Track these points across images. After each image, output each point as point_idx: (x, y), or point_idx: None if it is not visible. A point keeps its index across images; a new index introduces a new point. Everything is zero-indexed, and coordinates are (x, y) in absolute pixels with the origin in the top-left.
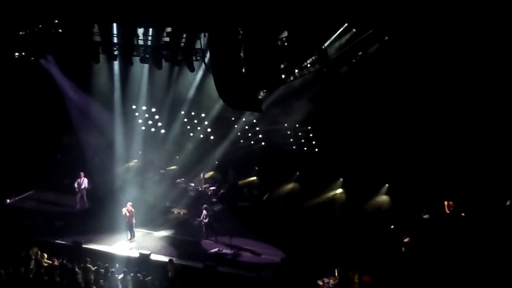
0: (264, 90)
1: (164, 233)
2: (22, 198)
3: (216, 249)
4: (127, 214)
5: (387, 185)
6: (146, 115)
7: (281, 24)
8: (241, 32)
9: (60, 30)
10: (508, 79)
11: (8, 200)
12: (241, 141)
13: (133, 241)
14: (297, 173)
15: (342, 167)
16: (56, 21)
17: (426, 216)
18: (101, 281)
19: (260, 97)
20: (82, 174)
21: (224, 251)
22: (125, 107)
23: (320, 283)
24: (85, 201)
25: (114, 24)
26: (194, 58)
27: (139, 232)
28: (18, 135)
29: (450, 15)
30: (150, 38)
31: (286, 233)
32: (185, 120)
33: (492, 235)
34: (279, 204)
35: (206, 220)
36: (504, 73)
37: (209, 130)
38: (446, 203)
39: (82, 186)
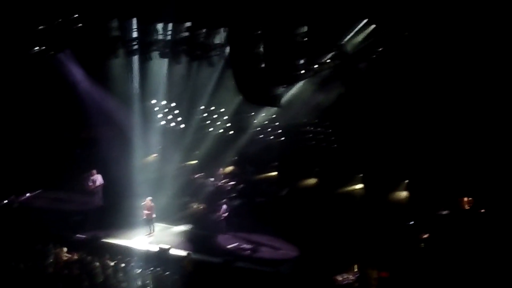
0: (283, 86)
1: (182, 227)
2: (34, 196)
3: (234, 244)
4: (147, 208)
5: (406, 180)
6: (165, 110)
7: (300, 20)
8: (260, 27)
9: (79, 25)
10: None
11: (22, 197)
12: (260, 136)
13: (152, 236)
14: (317, 168)
15: (362, 162)
16: (76, 15)
17: (444, 212)
18: (120, 275)
19: (279, 92)
20: (94, 171)
21: (243, 246)
22: (144, 102)
23: (340, 278)
24: (100, 198)
25: (134, 19)
26: (213, 53)
27: (158, 227)
28: (35, 131)
29: (470, 11)
30: (169, 33)
31: (305, 228)
32: (204, 115)
33: (510, 231)
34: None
35: (225, 215)
36: None
37: (228, 125)
38: (465, 199)
39: (97, 184)
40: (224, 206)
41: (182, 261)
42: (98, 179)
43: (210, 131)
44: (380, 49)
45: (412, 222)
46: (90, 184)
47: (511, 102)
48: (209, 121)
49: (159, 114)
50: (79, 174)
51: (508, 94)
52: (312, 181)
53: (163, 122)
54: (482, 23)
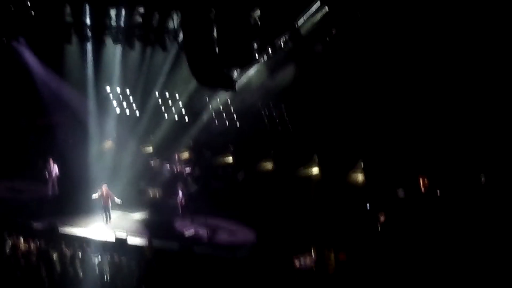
0: (238, 69)
1: (139, 214)
2: None
3: (191, 230)
4: (103, 195)
5: (362, 163)
6: (120, 96)
7: (253, 2)
8: (213, 10)
9: (32, 12)
10: (478, 49)
11: None
12: (216, 120)
13: (109, 223)
14: (273, 152)
15: (317, 145)
16: (28, 3)
17: (401, 193)
18: (78, 263)
19: (233, 76)
20: (51, 160)
21: (200, 231)
22: (99, 89)
23: (296, 261)
24: (56, 189)
25: (86, 5)
26: (166, 38)
27: (114, 214)
28: None
29: None
30: (122, 18)
31: (262, 212)
32: (159, 100)
33: (467, 212)
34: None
35: (182, 201)
36: (476, 44)
37: (183, 110)
38: (421, 181)
39: (53, 173)
40: (181, 192)
41: (142, 248)
42: (54, 168)
43: (165, 116)
44: (334, 31)
45: (369, 204)
46: (46, 173)
47: (463, 80)
48: (164, 107)
49: (114, 100)
50: (35, 162)
51: (459, 71)
52: (268, 164)
53: (118, 109)
54: (432, 5)
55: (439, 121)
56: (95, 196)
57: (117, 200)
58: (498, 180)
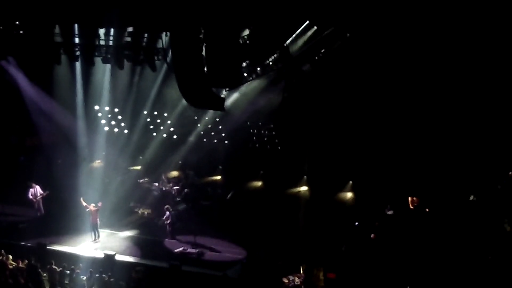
0: (226, 89)
1: (128, 233)
2: None
3: (181, 249)
4: (91, 214)
5: (351, 182)
6: (109, 116)
7: (242, 22)
8: (202, 31)
9: (21, 32)
10: (459, 72)
11: None
12: (204, 140)
13: (97, 242)
14: (261, 171)
15: (306, 164)
16: (17, 22)
17: (390, 212)
18: (66, 282)
19: (222, 95)
20: (33, 183)
21: (189, 250)
22: (88, 108)
23: (286, 280)
24: (41, 210)
25: (76, 25)
26: (156, 58)
27: (103, 233)
28: None
29: (408, 10)
30: (111, 38)
31: (251, 231)
32: (148, 120)
33: (456, 230)
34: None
35: (169, 221)
36: (458, 67)
37: (172, 129)
38: (410, 199)
39: (38, 195)
40: (168, 212)
41: (131, 272)
42: (38, 190)
43: (154, 136)
44: (323, 50)
45: (358, 223)
46: (31, 196)
47: (450, 102)
48: (153, 126)
49: (103, 119)
50: (23, 183)
51: (446, 95)
52: (257, 183)
53: (107, 128)
54: (420, 25)
55: (428, 141)
56: (84, 203)
57: (99, 204)
58: (486, 199)
